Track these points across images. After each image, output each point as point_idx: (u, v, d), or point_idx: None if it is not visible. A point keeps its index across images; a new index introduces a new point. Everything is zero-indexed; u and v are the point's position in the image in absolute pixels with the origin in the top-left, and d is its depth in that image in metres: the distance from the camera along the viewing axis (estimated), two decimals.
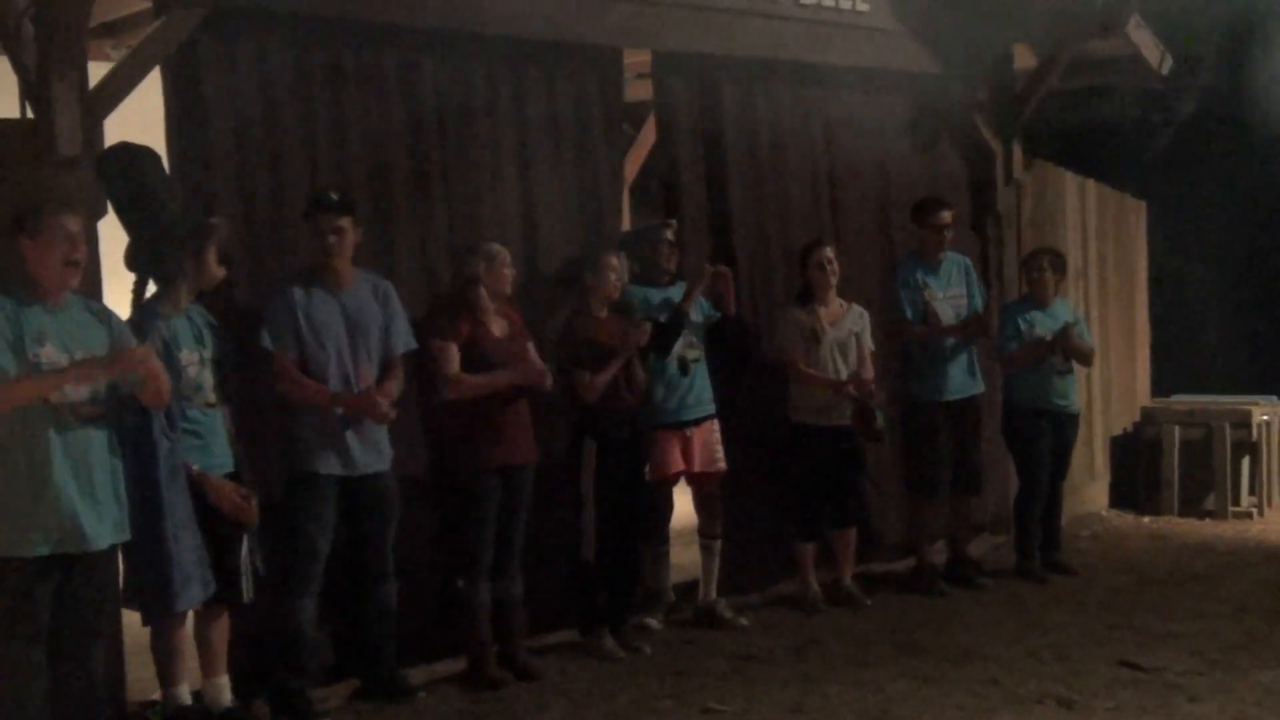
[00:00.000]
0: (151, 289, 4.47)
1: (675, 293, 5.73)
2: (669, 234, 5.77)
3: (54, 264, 3.85)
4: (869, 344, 6.16)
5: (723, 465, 5.83)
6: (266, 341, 4.59)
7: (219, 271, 4.48)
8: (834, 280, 6.04)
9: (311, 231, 4.70)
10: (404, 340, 4.86)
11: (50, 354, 3.79)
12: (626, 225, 6.32)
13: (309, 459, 4.63)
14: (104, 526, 3.90)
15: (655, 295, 5.70)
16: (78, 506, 3.82)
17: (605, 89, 5.90)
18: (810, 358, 5.98)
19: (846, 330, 6.05)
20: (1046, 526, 6.86)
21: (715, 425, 5.82)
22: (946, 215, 6.45)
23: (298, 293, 4.65)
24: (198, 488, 4.29)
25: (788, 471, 6.11)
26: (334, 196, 4.74)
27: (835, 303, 6.08)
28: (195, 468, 4.32)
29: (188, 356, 4.34)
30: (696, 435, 5.73)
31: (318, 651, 4.78)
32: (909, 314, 6.40)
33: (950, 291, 6.45)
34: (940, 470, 6.44)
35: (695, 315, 5.72)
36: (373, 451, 4.74)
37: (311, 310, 4.64)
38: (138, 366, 3.85)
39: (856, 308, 6.16)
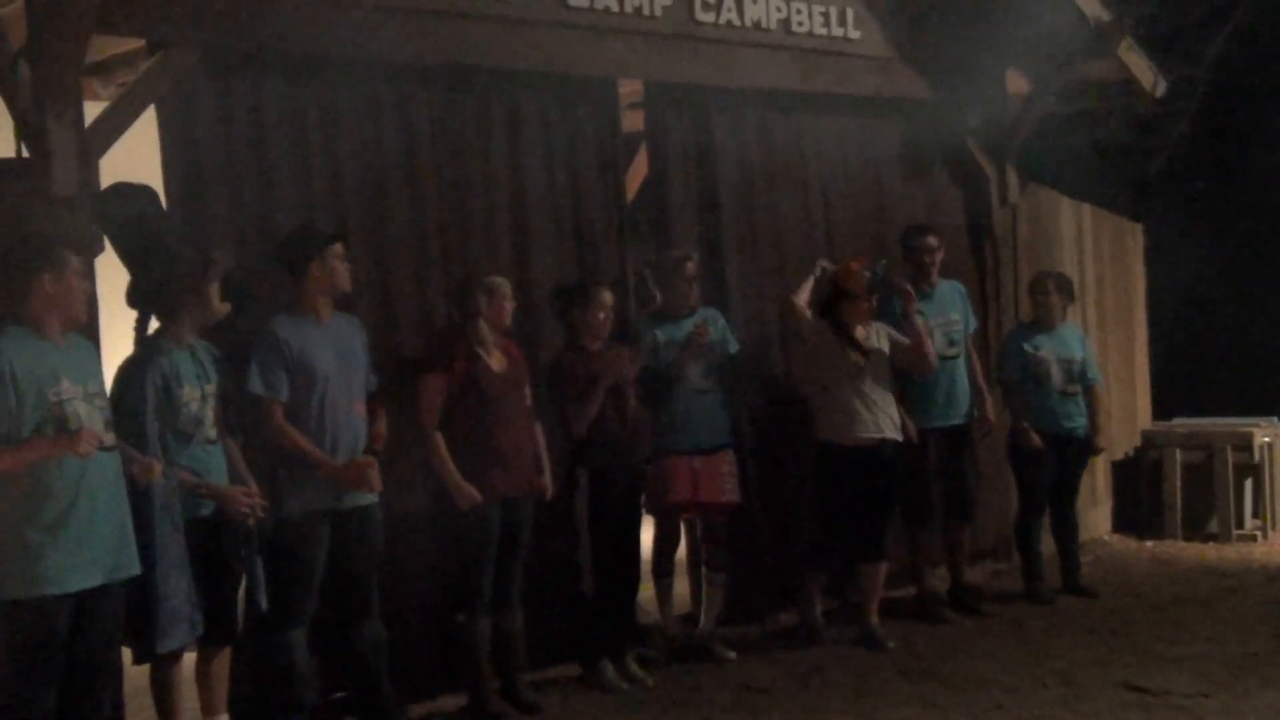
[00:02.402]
0: (154, 325, 4.48)
1: (689, 325, 5.66)
2: (690, 266, 5.74)
3: (76, 301, 3.90)
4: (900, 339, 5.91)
5: (733, 498, 5.77)
6: (257, 387, 4.54)
7: (222, 307, 4.48)
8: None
9: (319, 266, 4.61)
10: (372, 379, 4.84)
11: (68, 389, 3.81)
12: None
13: (300, 494, 4.59)
14: (121, 558, 3.91)
15: (674, 332, 5.65)
16: (100, 540, 3.83)
17: (600, 120, 5.92)
18: (852, 388, 5.79)
19: (876, 353, 5.90)
20: (1063, 551, 6.84)
21: (729, 457, 5.77)
22: (931, 241, 6.44)
23: (286, 329, 4.61)
24: (192, 527, 4.27)
25: (811, 494, 5.98)
26: (330, 229, 4.75)
27: (859, 329, 5.87)
28: (197, 480, 4.29)
29: (189, 393, 4.33)
30: (705, 465, 5.69)
31: (312, 686, 4.74)
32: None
33: (943, 319, 6.42)
34: (933, 496, 6.41)
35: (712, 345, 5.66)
36: None
37: (302, 344, 4.60)
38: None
39: (874, 324, 5.92)
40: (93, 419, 3.85)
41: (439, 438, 4.92)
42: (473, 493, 4.88)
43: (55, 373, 3.80)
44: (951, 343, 6.42)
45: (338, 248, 4.69)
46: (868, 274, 5.83)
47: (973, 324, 6.63)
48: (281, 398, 4.56)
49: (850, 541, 5.92)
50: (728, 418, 5.78)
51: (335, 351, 4.68)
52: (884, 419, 5.83)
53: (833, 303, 5.84)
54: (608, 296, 5.39)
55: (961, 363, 6.46)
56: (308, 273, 4.64)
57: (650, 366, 5.58)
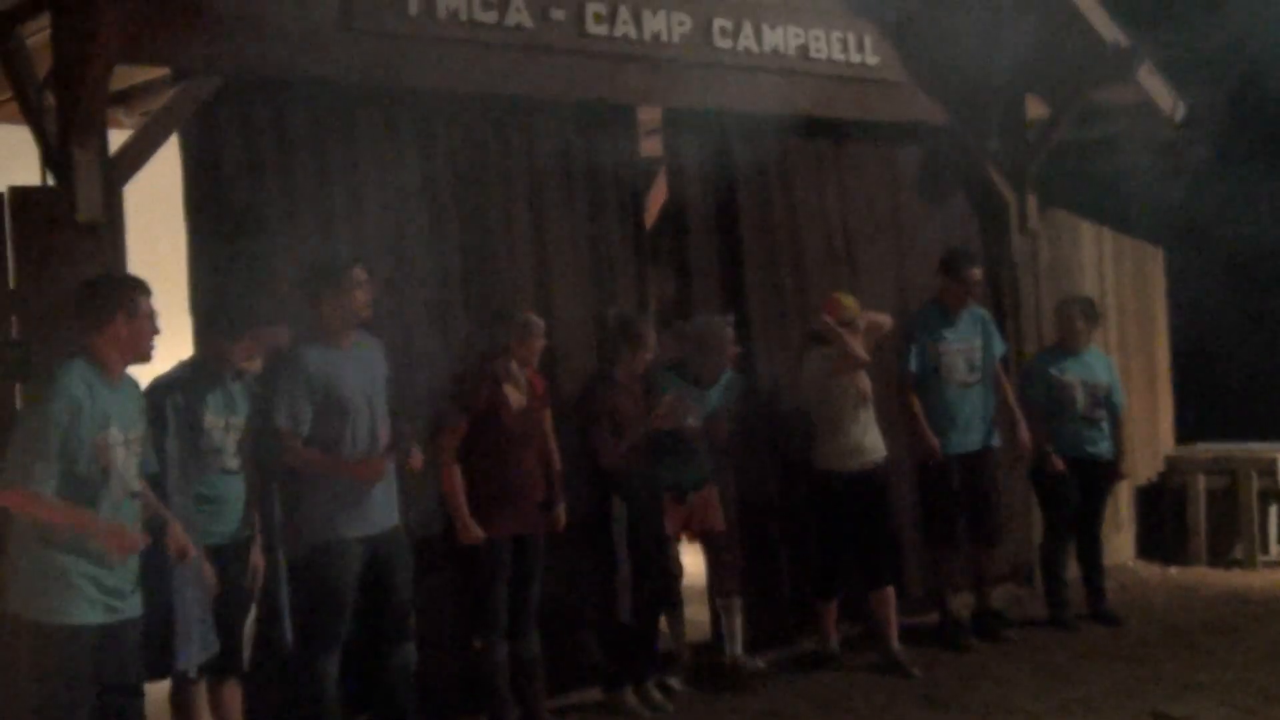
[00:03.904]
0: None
1: (715, 394, 5.65)
2: (730, 332, 5.69)
3: (145, 341, 3.91)
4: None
5: (720, 525, 5.76)
6: (282, 421, 4.52)
7: (252, 364, 4.48)
8: None
9: (338, 293, 4.56)
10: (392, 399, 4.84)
11: (114, 435, 3.81)
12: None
13: (331, 523, 4.56)
14: (133, 599, 3.91)
15: (699, 397, 5.58)
16: (131, 568, 3.85)
17: (619, 147, 5.94)
18: (853, 416, 5.85)
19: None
20: (1088, 577, 6.79)
21: (714, 491, 5.77)
22: (977, 273, 6.40)
23: (314, 361, 4.57)
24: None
25: (810, 523, 6.02)
26: (349, 254, 4.76)
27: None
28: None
29: (211, 420, 4.35)
30: (696, 500, 5.68)
31: (337, 714, 4.72)
32: (912, 365, 6.30)
33: (965, 345, 6.38)
34: (956, 521, 6.37)
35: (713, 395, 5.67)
36: (388, 505, 4.68)
37: (328, 375, 4.57)
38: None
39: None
40: (128, 466, 3.86)
41: (456, 470, 4.92)
42: (477, 531, 4.88)
43: (107, 417, 3.80)
44: (971, 369, 6.38)
45: (356, 273, 4.63)
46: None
47: (1000, 348, 6.60)
48: (303, 432, 4.55)
49: (855, 567, 5.94)
50: (708, 454, 5.73)
51: (360, 376, 4.66)
52: (876, 442, 5.91)
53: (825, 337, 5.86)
54: (653, 339, 5.38)
55: (981, 389, 6.42)
56: (326, 301, 4.62)
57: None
